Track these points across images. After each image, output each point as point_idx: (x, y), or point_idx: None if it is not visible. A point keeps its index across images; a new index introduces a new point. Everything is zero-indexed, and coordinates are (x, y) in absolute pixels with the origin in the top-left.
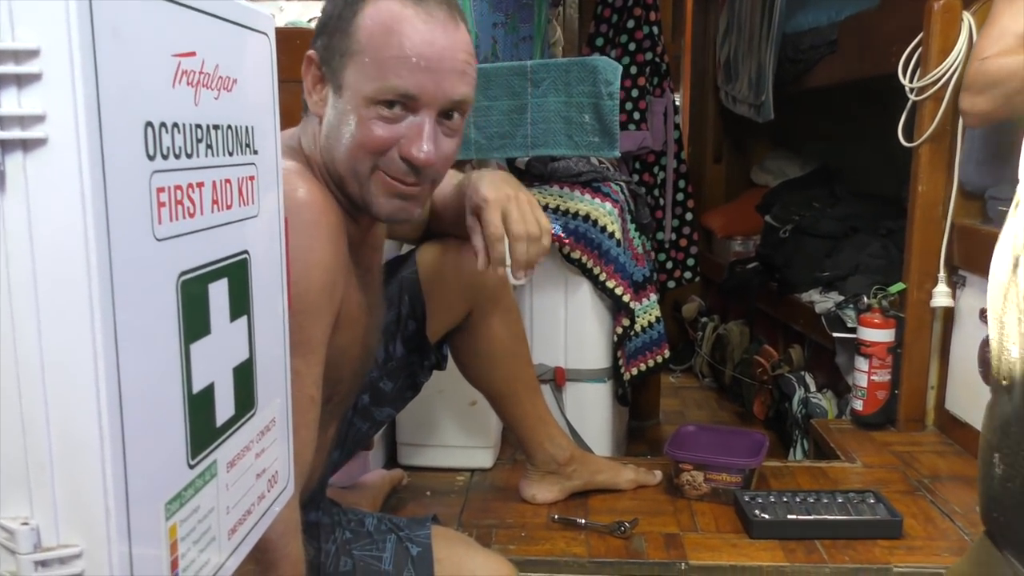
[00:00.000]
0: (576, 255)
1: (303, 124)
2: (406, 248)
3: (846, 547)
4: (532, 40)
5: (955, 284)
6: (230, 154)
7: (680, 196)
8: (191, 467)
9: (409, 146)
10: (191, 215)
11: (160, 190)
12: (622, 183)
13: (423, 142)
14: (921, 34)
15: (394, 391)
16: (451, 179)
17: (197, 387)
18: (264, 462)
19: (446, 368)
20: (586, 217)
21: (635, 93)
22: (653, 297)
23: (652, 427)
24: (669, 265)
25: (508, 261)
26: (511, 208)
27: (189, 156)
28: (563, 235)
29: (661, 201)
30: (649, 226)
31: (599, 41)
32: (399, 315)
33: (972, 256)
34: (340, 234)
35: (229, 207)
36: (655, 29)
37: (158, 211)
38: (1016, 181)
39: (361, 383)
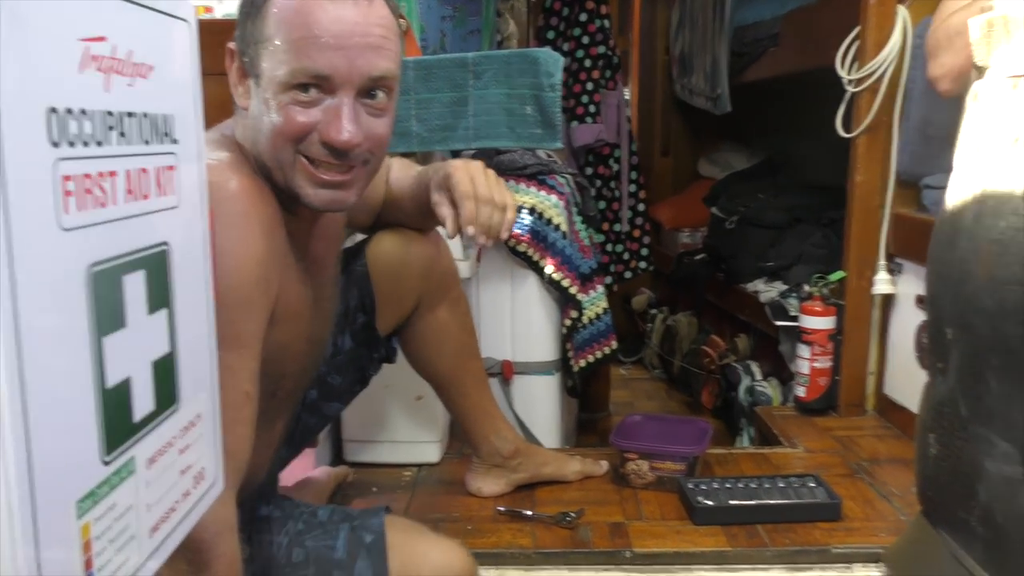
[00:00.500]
0: (522, 248)
1: (236, 116)
2: (351, 241)
3: (787, 530)
4: (480, 33)
5: (892, 271)
6: (146, 143)
7: (633, 187)
8: (105, 464)
9: (328, 129)
10: (102, 204)
11: (66, 178)
12: (568, 175)
13: (342, 123)
14: (858, 28)
15: (343, 385)
16: (409, 170)
17: (111, 381)
18: (189, 458)
19: (396, 361)
20: (532, 210)
21: (590, 86)
22: (600, 289)
23: (602, 419)
24: (626, 256)
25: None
26: (478, 175)
27: (99, 144)
28: (519, 232)
29: (617, 193)
30: (595, 219)
31: (550, 34)
32: (348, 308)
33: (908, 244)
34: (275, 226)
35: (146, 197)
36: (606, 23)
37: (64, 200)
38: (949, 169)
39: (309, 378)
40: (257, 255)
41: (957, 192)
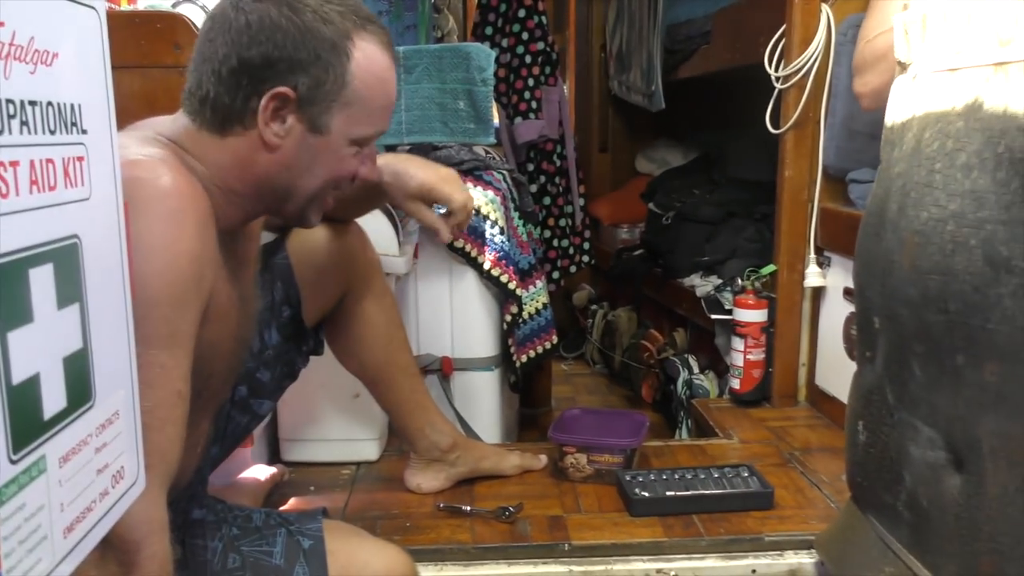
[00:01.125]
0: (460, 244)
1: (176, 119)
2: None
3: (722, 520)
4: (416, 29)
5: (821, 264)
6: (51, 132)
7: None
8: (13, 462)
9: (367, 171)
10: (3, 195)
11: None
12: (504, 171)
13: (375, 164)
14: (784, 26)
15: (272, 381)
16: None
17: (17, 378)
18: (106, 457)
19: (323, 353)
20: None
21: (531, 82)
22: (540, 284)
23: (544, 414)
24: (571, 251)
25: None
26: (455, 183)
27: (0, 133)
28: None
29: (561, 188)
30: (533, 214)
31: (488, 30)
32: (273, 302)
33: (836, 237)
34: (209, 224)
35: (52, 188)
36: (544, 19)
37: None
38: (875, 164)
39: (235, 377)
40: (192, 252)
41: (883, 184)
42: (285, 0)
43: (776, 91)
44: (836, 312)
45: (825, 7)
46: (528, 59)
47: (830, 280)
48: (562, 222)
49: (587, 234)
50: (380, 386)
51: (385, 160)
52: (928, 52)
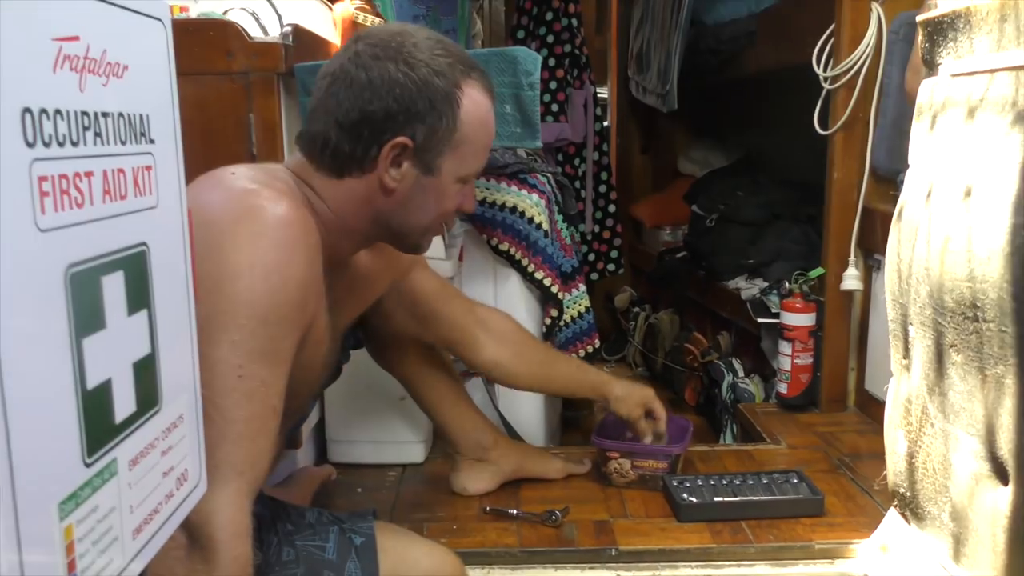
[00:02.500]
0: (504, 247)
1: (296, 158)
2: None
3: (771, 526)
4: (455, 33)
5: (871, 267)
6: (122, 143)
7: (603, 188)
8: (87, 465)
9: (468, 202)
10: (79, 205)
11: (43, 179)
12: (549, 174)
13: (473, 195)
14: (833, 25)
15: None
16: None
17: (92, 383)
18: (171, 460)
19: (362, 347)
20: (513, 209)
21: (553, 85)
22: (582, 288)
23: (586, 416)
24: (592, 257)
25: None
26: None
27: (75, 144)
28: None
29: (582, 193)
30: (576, 217)
31: (520, 33)
32: None
33: (886, 239)
34: (317, 255)
35: (123, 198)
36: (574, 21)
37: (41, 201)
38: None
39: (314, 400)
40: (300, 278)
41: (913, 190)
42: (401, 56)
43: (824, 91)
44: (886, 316)
45: (876, 6)
46: (552, 62)
47: (880, 283)
48: (580, 227)
49: (616, 242)
50: (421, 387)
51: (606, 378)
52: (957, 53)
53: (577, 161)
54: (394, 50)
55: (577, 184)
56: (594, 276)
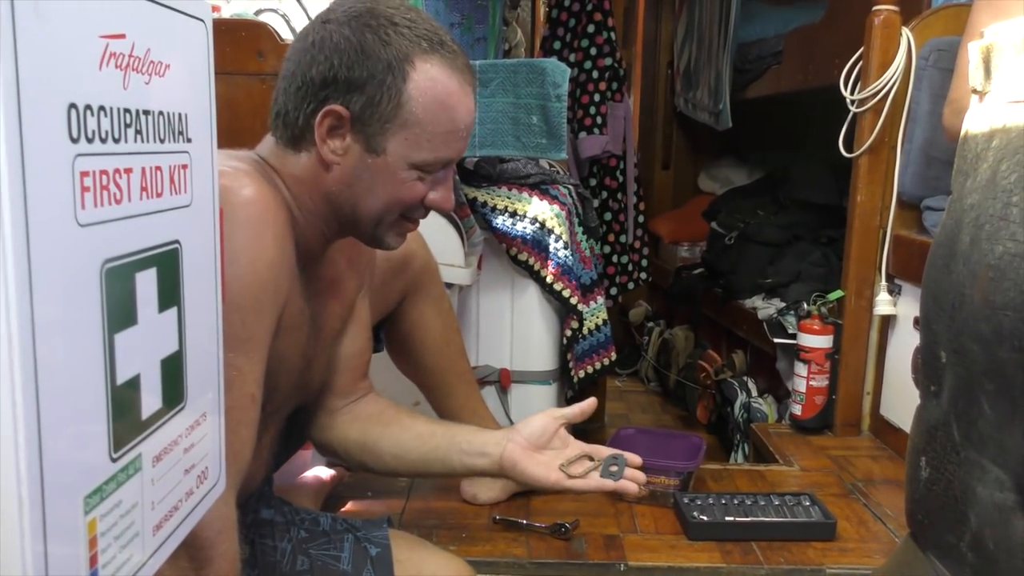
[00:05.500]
0: (523, 257)
1: (266, 137)
2: None
3: (782, 548)
4: (486, 41)
5: (892, 292)
6: (161, 141)
7: (634, 199)
8: (114, 460)
9: (439, 200)
10: (118, 201)
11: (84, 174)
12: (570, 186)
13: (450, 195)
14: (862, 48)
15: None
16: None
17: (121, 378)
18: (193, 457)
19: (382, 350)
20: (534, 219)
21: (597, 98)
22: (600, 300)
23: (596, 431)
24: (630, 267)
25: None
26: None
27: (116, 141)
28: (520, 240)
29: (623, 204)
30: (596, 230)
31: (556, 44)
32: None
33: (908, 265)
34: (287, 235)
35: (159, 195)
36: (612, 35)
37: (82, 196)
38: (951, 191)
39: (299, 396)
40: (271, 260)
41: (954, 215)
42: (355, 22)
43: (851, 114)
44: (905, 342)
45: (906, 30)
46: (595, 75)
47: (900, 309)
48: (623, 238)
49: (645, 251)
50: (436, 391)
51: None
52: (1007, 79)
53: (617, 173)
54: (352, 15)
55: (619, 195)
56: (631, 286)
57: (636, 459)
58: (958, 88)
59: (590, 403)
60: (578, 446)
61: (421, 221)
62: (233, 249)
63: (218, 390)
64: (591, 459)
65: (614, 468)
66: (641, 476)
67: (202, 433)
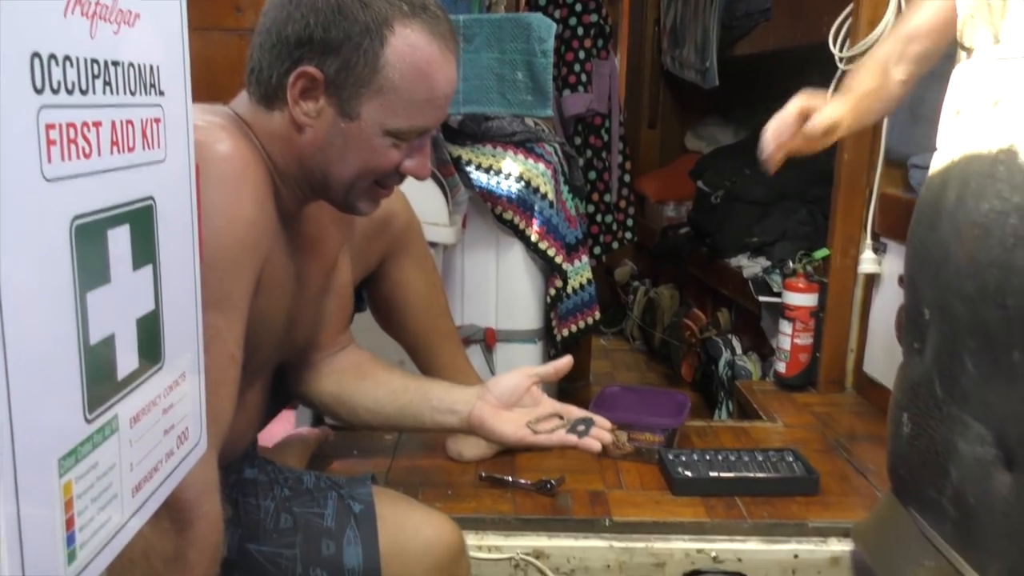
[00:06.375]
0: (508, 216)
1: (241, 93)
2: None
3: (765, 503)
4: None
5: (877, 251)
6: (132, 93)
7: (620, 159)
8: (89, 421)
9: (414, 167)
10: (86, 155)
11: (50, 127)
12: (556, 145)
13: (426, 162)
14: (851, 5)
15: None
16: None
17: (95, 338)
18: (172, 418)
19: (365, 310)
20: (519, 178)
21: (582, 55)
22: (585, 259)
23: (582, 389)
24: (614, 227)
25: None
26: None
27: (84, 92)
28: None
29: (607, 163)
30: (581, 189)
31: (541, 1)
32: None
33: (894, 224)
34: (266, 192)
35: (131, 150)
36: None
37: (48, 149)
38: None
39: (281, 355)
40: (249, 217)
41: (940, 174)
42: None
43: (839, 72)
44: (889, 299)
45: None
46: (580, 31)
47: (885, 267)
48: (607, 197)
49: (631, 211)
50: (420, 351)
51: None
52: (993, 39)
53: (602, 131)
54: None
55: (603, 154)
56: (615, 245)
57: (605, 423)
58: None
59: (565, 361)
60: (549, 404)
61: (406, 181)
62: (209, 207)
63: (197, 350)
64: (561, 418)
65: (581, 428)
66: (607, 436)
67: (181, 393)
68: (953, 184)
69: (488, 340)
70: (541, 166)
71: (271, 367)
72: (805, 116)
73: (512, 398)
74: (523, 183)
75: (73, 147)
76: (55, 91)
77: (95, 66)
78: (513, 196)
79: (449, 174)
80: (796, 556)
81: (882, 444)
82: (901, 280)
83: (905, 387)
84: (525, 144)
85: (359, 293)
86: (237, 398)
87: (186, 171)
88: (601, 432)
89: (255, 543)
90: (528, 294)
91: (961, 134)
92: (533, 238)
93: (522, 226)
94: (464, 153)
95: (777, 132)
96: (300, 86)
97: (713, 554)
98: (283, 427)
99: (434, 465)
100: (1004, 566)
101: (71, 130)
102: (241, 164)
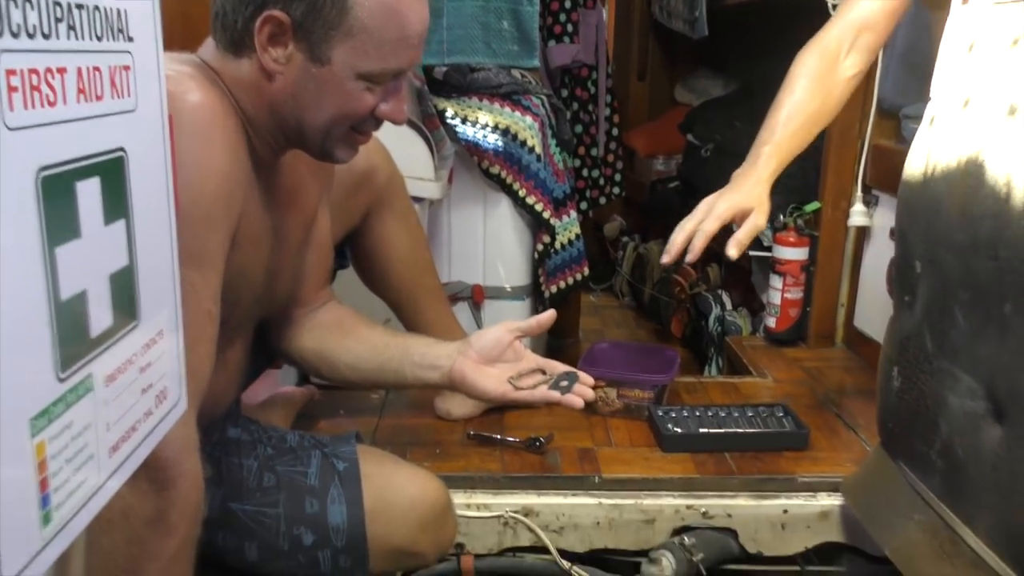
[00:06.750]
0: (495, 170)
1: (208, 41)
2: None
3: (755, 459)
4: None
5: (868, 203)
6: (98, 38)
7: (607, 111)
8: (61, 380)
9: (390, 112)
10: (51, 104)
11: (10, 72)
12: (543, 97)
13: (403, 106)
14: None
15: None
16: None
17: (66, 294)
18: (150, 377)
19: (348, 267)
20: (506, 131)
21: (568, 4)
22: (573, 214)
23: (571, 346)
24: (601, 181)
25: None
26: None
27: (46, 36)
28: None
29: (594, 116)
30: (570, 142)
31: None
32: None
33: (886, 176)
34: (239, 142)
35: (99, 98)
36: None
37: (9, 96)
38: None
39: (262, 311)
40: (222, 168)
41: (935, 123)
42: None
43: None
44: (880, 253)
45: None
46: None
47: (877, 219)
48: (593, 151)
49: (619, 165)
50: (405, 308)
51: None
52: None
53: (589, 83)
54: None
55: (589, 107)
56: (602, 200)
57: (588, 379)
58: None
59: (548, 315)
60: (532, 359)
61: (390, 134)
62: (182, 159)
63: (175, 307)
64: (543, 373)
65: (564, 384)
66: (589, 393)
67: (159, 351)
68: (948, 133)
69: (476, 297)
70: (528, 119)
71: (252, 324)
72: (729, 222)
73: (494, 353)
74: (510, 136)
75: (36, 95)
76: (15, 34)
77: (57, 8)
78: (500, 149)
79: (434, 127)
80: (785, 511)
81: (872, 399)
82: (892, 233)
83: (895, 341)
84: (512, 96)
85: (342, 250)
86: (217, 356)
87: (159, 121)
88: (584, 388)
89: (238, 502)
90: (516, 250)
91: (955, 82)
92: (521, 193)
93: (509, 180)
94: (449, 106)
95: (691, 239)
96: (267, 32)
97: (703, 510)
98: (268, 386)
99: (422, 424)
100: (993, 519)
101: (33, 76)
102: (211, 114)
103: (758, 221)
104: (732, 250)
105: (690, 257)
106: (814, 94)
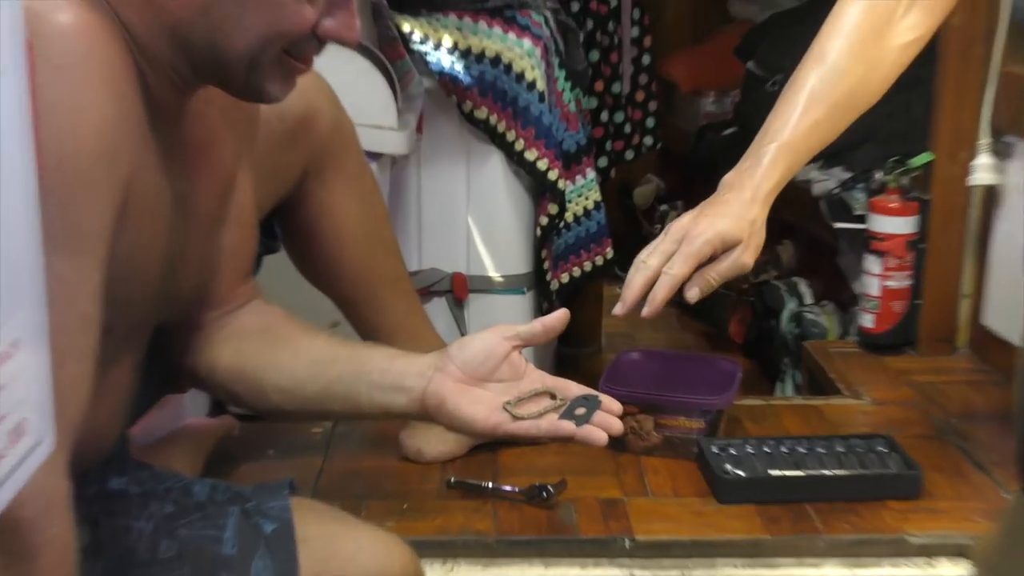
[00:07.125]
0: (482, 114)
1: None
2: None
3: (848, 511)
4: None
5: (999, 153)
6: None
7: (636, 32)
8: None
9: (337, 28)
10: None
11: None
12: (547, 13)
13: (354, 20)
14: None
15: None
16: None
17: None
18: (2, 405)
19: (280, 250)
20: (496, 60)
21: None
22: (591, 174)
23: (590, 356)
24: (627, 128)
25: None
26: None
27: None
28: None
29: (617, 39)
30: (584, 74)
31: None
32: None
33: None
34: (127, 82)
35: None
36: None
37: None
38: None
39: (163, 312)
40: (102, 117)
41: None
42: None
43: None
44: (1017, 223)
45: None
46: None
47: (1011, 176)
48: (616, 87)
49: (652, 106)
50: (359, 306)
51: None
52: None
53: None
54: None
55: (610, 26)
56: (629, 155)
57: (614, 404)
58: None
59: (559, 316)
60: (538, 378)
61: (336, 66)
62: (46, 103)
63: (37, 308)
64: (553, 397)
65: (581, 411)
66: (617, 424)
67: (14, 371)
68: None
69: (457, 290)
70: (527, 42)
71: (147, 332)
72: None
73: (483, 368)
74: (502, 67)
75: None
76: None
77: None
78: (489, 86)
79: (397, 56)
80: None
81: (1009, 426)
82: None
83: None
84: (503, 13)
85: (270, 226)
86: (99, 377)
87: (13, 51)
88: (608, 418)
89: None
90: (512, 225)
91: None
92: (518, 146)
93: (501, 129)
94: (417, 27)
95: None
96: None
97: None
98: (168, 418)
99: (383, 468)
100: None
101: None
102: (89, 40)
103: (743, 260)
104: (691, 292)
105: (647, 311)
106: (854, 64)
